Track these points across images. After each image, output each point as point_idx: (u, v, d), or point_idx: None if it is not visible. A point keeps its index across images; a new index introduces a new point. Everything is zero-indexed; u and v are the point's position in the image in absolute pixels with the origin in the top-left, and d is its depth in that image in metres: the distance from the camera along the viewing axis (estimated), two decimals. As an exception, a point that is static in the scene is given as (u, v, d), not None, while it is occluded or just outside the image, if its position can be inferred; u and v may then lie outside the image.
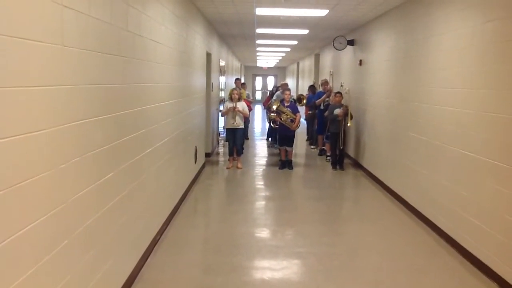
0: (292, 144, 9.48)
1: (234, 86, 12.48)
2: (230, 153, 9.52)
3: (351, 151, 10.30)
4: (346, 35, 10.63)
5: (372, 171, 8.63)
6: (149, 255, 4.63)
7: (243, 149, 9.87)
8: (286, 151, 9.46)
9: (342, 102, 9.48)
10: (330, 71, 13.01)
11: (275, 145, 10.91)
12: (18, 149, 2.17)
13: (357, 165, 9.73)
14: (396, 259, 4.81)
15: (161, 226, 5.25)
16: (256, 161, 10.52)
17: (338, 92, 9.65)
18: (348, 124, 9.15)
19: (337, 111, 9.23)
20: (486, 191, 4.45)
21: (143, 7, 4.28)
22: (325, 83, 11.67)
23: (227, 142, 9.81)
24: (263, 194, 7.72)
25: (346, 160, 9.81)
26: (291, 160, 9.54)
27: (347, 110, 9.20)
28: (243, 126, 9.51)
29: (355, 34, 10.29)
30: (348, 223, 6.27)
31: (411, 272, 4.48)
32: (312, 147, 12.32)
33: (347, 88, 10.08)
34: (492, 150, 4.35)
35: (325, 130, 10.33)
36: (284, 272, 4.45)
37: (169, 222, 5.68)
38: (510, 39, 4.09)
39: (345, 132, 9.40)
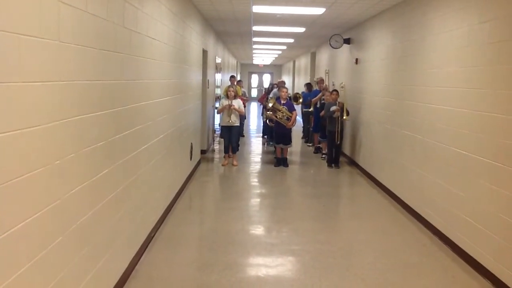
0: (289, 142, 9.47)
1: (229, 83, 12.47)
2: (226, 150, 9.50)
3: (346, 149, 10.32)
4: (343, 34, 10.64)
5: (367, 169, 8.65)
6: (144, 252, 4.63)
7: (238, 146, 9.88)
8: (282, 149, 9.46)
9: (338, 98, 9.48)
10: (326, 70, 13.01)
11: (270, 143, 10.91)
12: (13, 145, 2.17)
13: (353, 163, 9.76)
14: (390, 256, 4.84)
15: (156, 222, 5.25)
16: (252, 158, 10.53)
17: (334, 90, 9.65)
18: (344, 118, 9.12)
19: (334, 108, 9.25)
20: (480, 189, 4.47)
21: (140, 4, 4.28)
22: (321, 81, 11.63)
23: (223, 139, 9.80)
24: (258, 191, 7.73)
25: (341, 158, 9.84)
26: (286, 158, 9.54)
27: (343, 105, 9.19)
28: (238, 124, 9.49)
29: (351, 32, 10.30)
30: (343, 221, 6.29)
31: (405, 270, 4.51)
32: (308, 144, 12.33)
33: (343, 83, 10.08)
34: (487, 149, 4.37)
35: (321, 129, 10.35)
36: (279, 269, 4.46)
37: (164, 218, 5.68)
38: (505, 39, 4.11)
39: (342, 129, 9.39)
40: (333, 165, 9.44)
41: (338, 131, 9.23)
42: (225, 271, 4.33)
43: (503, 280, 4.04)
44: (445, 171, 5.23)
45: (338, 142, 9.33)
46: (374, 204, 6.99)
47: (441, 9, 5.48)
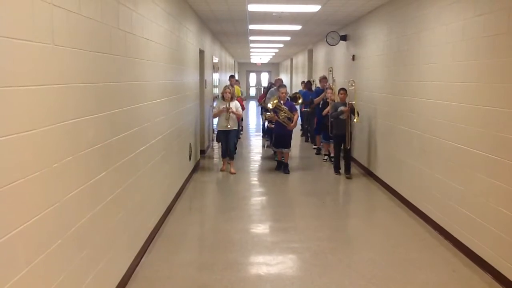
0: (289, 145, 8.85)
1: (228, 83, 12.38)
2: (223, 155, 8.78)
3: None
4: (339, 31, 10.63)
5: (365, 165, 8.65)
6: (144, 253, 4.63)
7: (236, 149, 9.31)
8: (282, 152, 8.89)
9: (346, 98, 8.50)
10: (330, 68, 12.47)
11: (270, 146, 10.39)
12: (10, 149, 2.17)
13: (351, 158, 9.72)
14: (390, 252, 4.84)
15: (156, 223, 5.25)
16: (251, 157, 10.51)
17: (342, 89, 8.65)
18: (355, 120, 8.08)
19: (342, 108, 8.26)
20: (479, 183, 4.48)
21: (135, 5, 4.27)
22: (324, 79, 10.82)
23: (219, 143, 9.19)
24: (257, 190, 7.72)
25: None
26: (287, 164, 8.88)
27: (352, 106, 8.14)
28: (236, 128, 8.87)
29: (347, 29, 10.30)
30: (342, 217, 6.29)
31: (405, 265, 4.51)
32: (314, 147, 11.46)
33: (351, 79, 9.12)
34: (484, 143, 4.38)
35: (323, 130, 9.71)
36: (280, 267, 4.47)
37: (164, 219, 5.68)
38: (500, 33, 4.11)
39: (351, 132, 8.39)
40: (340, 171, 8.55)
41: (348, 135, 8.25)
42: (226, 270, 4.33)
43: (504, 273, 4.04)
44: (443, 166, 5.23)
45: (348, 147, 8.32)
46: (373, 199, 7.00)
47: (436, 3, 5.48)
